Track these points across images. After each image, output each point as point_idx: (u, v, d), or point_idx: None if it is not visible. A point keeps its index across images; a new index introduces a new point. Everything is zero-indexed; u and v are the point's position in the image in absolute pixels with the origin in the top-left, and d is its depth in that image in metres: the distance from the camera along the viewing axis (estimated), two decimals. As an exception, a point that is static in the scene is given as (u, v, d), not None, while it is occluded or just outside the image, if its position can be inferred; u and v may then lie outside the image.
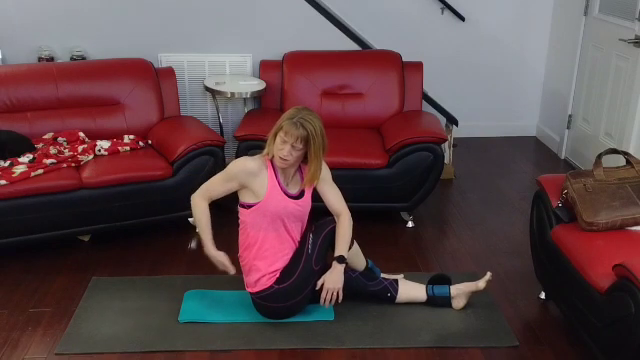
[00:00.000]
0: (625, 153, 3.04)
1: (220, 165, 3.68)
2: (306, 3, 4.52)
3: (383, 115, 4.30)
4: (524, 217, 3.94)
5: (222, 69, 4.62)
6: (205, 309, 3.05)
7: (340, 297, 2.92)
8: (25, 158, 3.56)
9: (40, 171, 3.44)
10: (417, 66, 4.42)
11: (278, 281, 2.88)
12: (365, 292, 3.04)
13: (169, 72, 4.25)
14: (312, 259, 2.91)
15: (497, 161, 5.17)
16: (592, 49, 4.77)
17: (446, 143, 4.20)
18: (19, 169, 3.43)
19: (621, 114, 4.34)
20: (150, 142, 3.95)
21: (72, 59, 4.44)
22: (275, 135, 2.81)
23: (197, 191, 2.96)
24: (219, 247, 2.95)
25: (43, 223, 3.44)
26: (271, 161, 2.88)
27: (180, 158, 3.64)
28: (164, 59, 4.56)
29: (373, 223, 3.96)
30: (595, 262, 2.62)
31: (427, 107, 4.65)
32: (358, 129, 4.23)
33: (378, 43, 4.85)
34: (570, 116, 5.11)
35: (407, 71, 4.38)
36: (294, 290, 2.89)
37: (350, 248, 3.02)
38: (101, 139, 3.87)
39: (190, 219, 3.86)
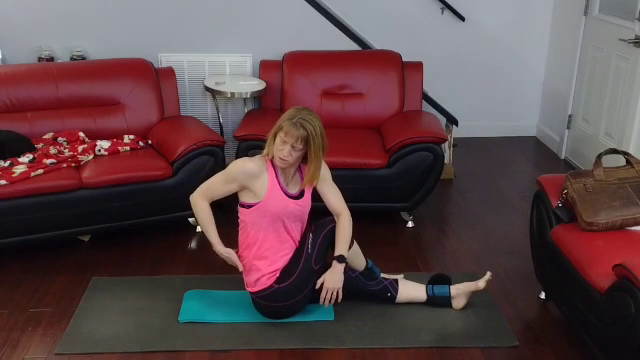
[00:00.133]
0: (625, 153, 3.04)
1: (220, 165, 3.69)
2: (306, 3, 4.52)
3: (383, 115, 4.30)
4: (524, 217, 3.94)
5: (222, 69, 4.62)
6: (205, 309, 3.05)
7: (340, 297, 2.92)
8: (25, 158, 3.56)
9: (40, 171, 3.44)
10: (417, 66, 4.42)
11: (278, 281, 2.88)
12: (365, 292, 3.04)
13: (169, 72, 4.25)
14: (312, 258, 2.91)
15: (497, 161, 5.17)
16: (592, 49, 4.77)
17: (446, 143, 4.20)
18: (19, 169, 3.43)
19: (621, 114, 4.34)
20: (150, 142, 3.95)
21: (72, 59, 4.45)
22: (275, 135, 2.81)
23: (196, 191, 2.95)
24: (220, 247, 2.95)
25: (43, 223, 3.44)
26: (271, 161, 2.88)
27: (180, 158, 3.64)
28: (164, 59, 4.56)
29: (373, 223, 3.96)
30: (595, 262, 2.62)
31: (427, 107, 4.65)
32: (358, 129, 4.23)
33: (378, 43, 4.86)
34: (570, 116, 5.11)
35: (407, 71, 4.38)
36: (294, 289, 2.89)
37: (350, 248, 3.02)
38: (101, 139, 3.87)
39: (190, 219, 3.86)
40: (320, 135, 2.79)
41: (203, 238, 3.10)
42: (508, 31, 5.38)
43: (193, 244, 3.76)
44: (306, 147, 2.80)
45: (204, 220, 2.93)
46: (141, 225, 3.71)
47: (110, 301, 3.13)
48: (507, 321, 3.02)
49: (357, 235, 3.07)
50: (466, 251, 3.72)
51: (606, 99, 4.56)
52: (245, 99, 4.51)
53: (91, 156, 3.70)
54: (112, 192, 3.52)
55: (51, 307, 3.11)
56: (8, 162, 3.51)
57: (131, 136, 3.96)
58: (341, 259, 2.93)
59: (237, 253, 2.97)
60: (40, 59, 4.42)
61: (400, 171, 3.78)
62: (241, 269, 2.95)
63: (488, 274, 3.06)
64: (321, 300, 2.91)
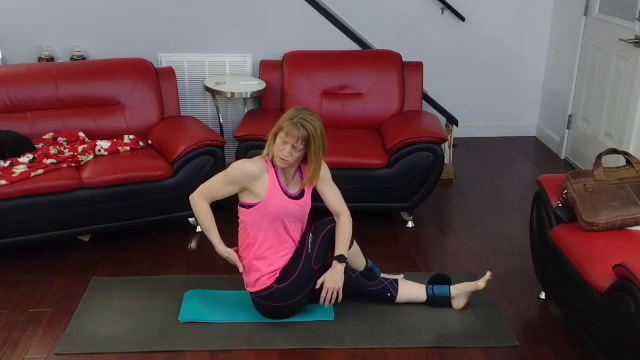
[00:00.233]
0: (625, 153, 3.04)
1: (220, 165, 3.69)
2: (306, 3, 4.52)
3: (383, 115, 4.30)
4: (524, 217, 3.94)
5: (222, 69, 4.62)
6: (205, 309, 3.05)
7: (340, 297, 2.92)
8: (25, 158, 3.56)
9: (40, 171, 3.44)
10: (417, 66, 4.42)
11: (278, 280, 2.88)
12: (365, 292, 3.04)
13: (169, 72, 4.25)
14: (312, 258, 2.91)
15: (497, 161, 5.17)
16: (592, 49, 4.77)
17: (446, 143, 4.20)
18: (19, 169, 3.43)
19: (621, 114, 4.34)
20: (150, 142, 3.95)
21: (72, 59, 4.45)
22: (275, 135, 2.81)
23: (196, 191, 2.94)
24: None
25: (43, 223, 3.44)
26: (271, 161, 2.88)
27: (180, 158, 3.64)
28: (164, 59, 4.56)
29: (373, 223, 3.96)
30: (595, 262, 2.62)
31: (427, 107, 4.65)
32: (358, 129, 4.23)
33: (378, 43, 4.86)
34: (570, 116, 5.11)
35: (407, 71, 4.38)
36: (294, 289, 2.89)
37: (350, 248, 3.02)
38: (101, 139, 3.87)
39: (190, 219, 3.86)
40: (320, 135, 2.79)
41: (203, 238, 3.10)
42: (508, 31, 5.38)
43: (193, 244, 3.76)
44: (306, 147, 2.80)
45: (205, 221, 2.93)
46: (141, 225, 3.71)
47: (110, 301, 3.13)
48: (507, 321, 3.02)
49: (357, 235, 3.07)
50: (466, 251, 3.72)
51: (606, 99, 4.56)
52: (245, 99, 4.51)
53: (91, 156, 3.70)
54: (112, 192, 3.52)
55: (51, 307, 3.11)
56: (8, 162, 3.51)
57: (131, 136, 3.96)
58: (341, 259, 2.93)
59: (237, 253, 2.98)
60: (40, 59, 4.42)
61: (400, 171, 3.78)
62: (241, 270, 2.95)
63: (488, 274, 3.06)
64: (321, 300, 2.91)
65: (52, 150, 3.66)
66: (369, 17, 5.12)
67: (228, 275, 3.21)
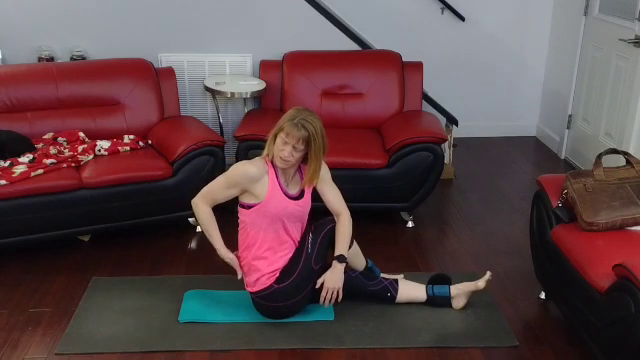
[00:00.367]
0: (625, 153, 3.04)
1: (220, 165, 3.69)
2: (306, 3, 4.52)
3: (383, 115, 4.30)
4: (524, 217, 3.94)
5: (222, 69, 4.62)
6: (205, 309, 3.05)
7: (340, 297, 2.92)
8: (25, 158, 3.56)
9: (40, 171, 3.44)
10: (417, 66, 4.42)
11: (278, 280, 2.88)
12: (365, 292, 3.04)
13: (169, 72, 4.25)
14: (312, 258, 2.91)
15: (497, 161, 5.17)
16: (592, 49, 4.77)
17: (446, 143, 4.20)
18: (19, 169, 3.43)
19: (621, 114, 4.34)
20: (150, 142, 3.95)
21: (72, 59, 4.44)
22: (275, 136, 2.81)
23: (197, 195, 2.94)
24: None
25: (43, 223, 3.44)
26: (271, 162, 2.88)
27: (180, 158, 3.64)
28: (164, 59, 4.56)
29: (373, 223, 3.96)
30: (595, 262, 2.62)
31: (427, 107, 4.65)
32: (358, 129, 4.23)
33: (378, 43, 4.85)
34: (570, 116, 5.11)
35: (407, 71, 4.38)
36: (294, 289, 2.89)
37: (350, 248, 3.02)
38: (101, 139, 3.87)
39: (190, 219, 3.86)
40: (321, 136, 2.79)
41: (203, 238, 3.10)
42: (508, 31, 5.38)
43: (193, 244, 3.76)
44: (307, 148, 2.80)
45: (207, 225, 2.93)
46: (141, 225, 3.71)
47: (110, 301, 3.13)
48: (507, 321, 3.02)
49: (357, 235, 3.07)
50: (466, 251, 3.72)
51: (606, 99, 4.56)
52: (245, 99, 4.51)
53: (91, 156, 3.70)
54: (112, 192, 3.52)
55: (51, 307, 3.11)
56: (8, 162, 3.51)
57: (131, 136, 3.96)
58: (341, 259, 2.93)
59: (237, 254, 2.98)
60: (40, 59, 4.42)
61: (400, 171, 3.78)
62: (240, 277, 2.95)
63: (488, 274, 3.06)
64: (321, 300, 2.91)
65: (52, 150, 3.66)
66: (369, 17, 5.12)
67: (228, 275, 3.20)
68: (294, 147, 2.76)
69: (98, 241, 3.71)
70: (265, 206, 2.84)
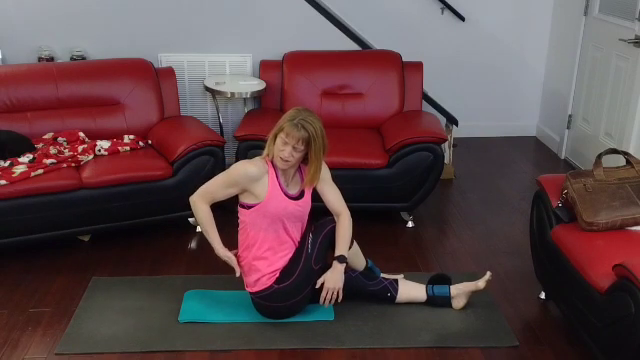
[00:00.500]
0: (625, 153, 3.04)
1: (220, 165, 3.69)
2: (306, 3, 4.52)
3: (383, 115, 4.30)
4: (524, 217, 3.94)
5: (222, 69, 4.62)
6: (205, 309, 3.05)
7: (340, 297, 2.92)
8: (25, 158, 3.56)
9: (40, 171, 3.44)
10: (417, 66, 4.42)
11: (278, 281, 2.88)
12: (365, 292, 3.04)
13: (169, 72, 4.25)
14: (312, 258, 2.91)
15: (497, 161, 5.17)
16: (592, 49, 4.77)
17: (446, 143, 4.20)
18: (19, 169, 3.43)
19: (621, 114, 4.34)
20: (150, 142, 3.95)
21: (72, 59, 4.45)
22: (275, 136, 2.81)
23: (196, 193, 2.94)
24: (220, 247, 2.95)
25: (43, 223, 3.44)
26: (271, 162, 2.88)
27: (180, 158, 3.64)
28: (164, 59, 4.56)
29: (373, 223, 3.96)
30: (595, 262, 2.62)
31: (427, 107, 4.65)
32: (358, 129, 4.23)
33: (378, 43, 4.86)
34: (570, 116, 5.11)
35: (407, 71, 4.38)
36: (294, 289, 2.89)
37: (350, 248, 3.02)
38: (101, 139, 3.87)
39: (190, 219, 3.86)
40: (321, 136, 2.79)
41: (203, 238, 3.10)
42: (508, 31, 5.38)
43: (193, 244, 3.76)
44: (307, 148, 2.80)
45: (205, 223, 2.93)
46: (141, 225, 3.71)
47: (110, 301, 3.13)
48: (507, 321, 3.02)
49: (357, 235, 3.07)
50: (466, 251, 3.72)
51: (606, 99, 4.56)
52: (245, 99, 4.51)
53: (91, 156, 3.70)
54: (112, 192, 3.52)
55: (51, 307, 3.11)
56: (8, 162, 3.51)
57: (131, 136, 3.96)
58: (341, 259, 2.93)
59: (236, 254, 2.98)
60: (40, 59, 4.42)
61: (400, 171, 3.78)
62: (238, 274, 2.95)
63: (488, 274, 3.06)
64: (321, 300, 2.91)
65: (52, 150, 3.66)
66: (369, 17, 5.12)
67: (228, 275, 3.19)
68: (294, 147, 2.76)
69: (98, 241, 3.71)
70: (265, 206, 2.84)
